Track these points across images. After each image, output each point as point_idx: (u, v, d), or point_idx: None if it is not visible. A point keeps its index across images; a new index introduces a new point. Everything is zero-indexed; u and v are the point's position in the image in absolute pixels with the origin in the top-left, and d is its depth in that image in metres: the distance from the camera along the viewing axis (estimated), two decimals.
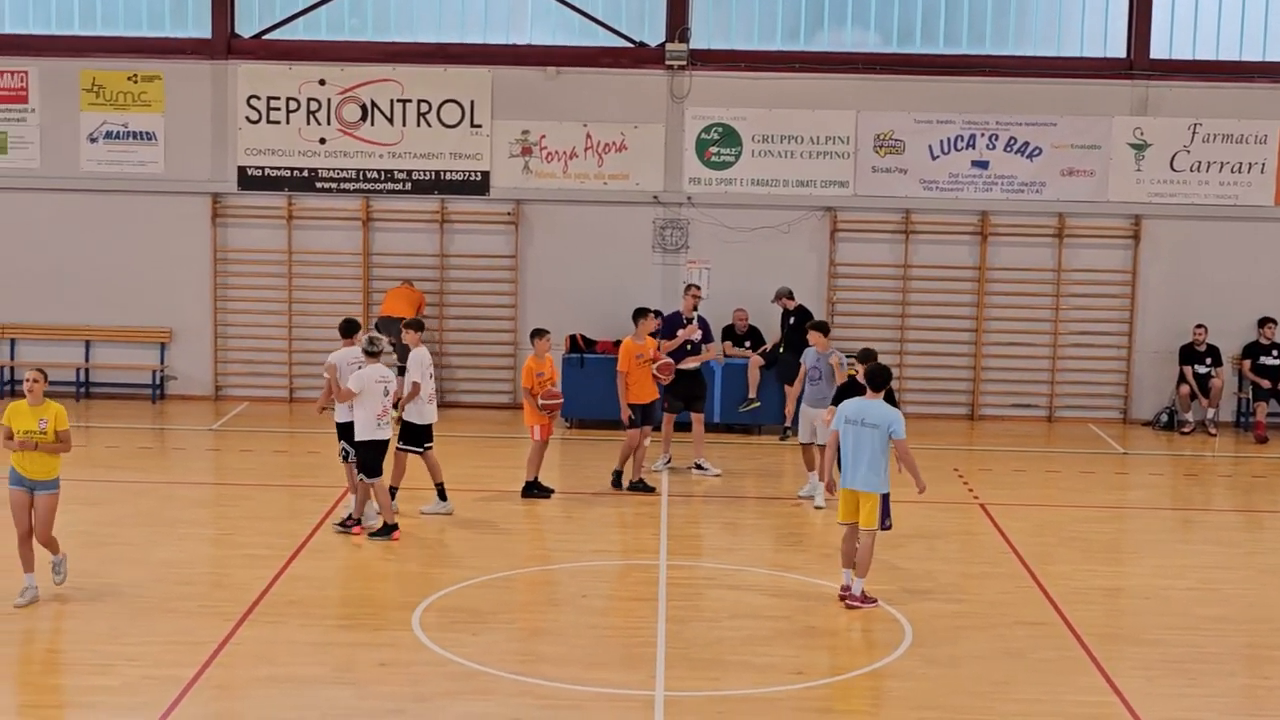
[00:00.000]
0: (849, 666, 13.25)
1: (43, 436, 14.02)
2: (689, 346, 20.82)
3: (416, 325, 18.54)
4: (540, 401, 18.66)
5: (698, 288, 22.07)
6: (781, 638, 13.93)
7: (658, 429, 20.29)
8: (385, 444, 17.16)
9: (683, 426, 20.96)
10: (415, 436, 18.13)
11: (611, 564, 16.47)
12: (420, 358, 18.15)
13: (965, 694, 12.55)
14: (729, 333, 24.01)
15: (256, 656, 13.07)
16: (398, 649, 13.30)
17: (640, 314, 19.83)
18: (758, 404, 23.10)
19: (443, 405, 25.13)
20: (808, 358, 19.10)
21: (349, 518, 17.36)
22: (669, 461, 20.80)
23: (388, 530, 17.02)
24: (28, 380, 14.25)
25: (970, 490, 20.16)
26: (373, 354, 17.14)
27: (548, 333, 19.22)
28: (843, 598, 14.82)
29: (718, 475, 20.50)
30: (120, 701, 11.96)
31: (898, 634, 14.01)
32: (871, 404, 14.73)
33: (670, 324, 21.09)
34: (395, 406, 17.52)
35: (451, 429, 23.89)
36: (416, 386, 17.99)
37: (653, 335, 20.21)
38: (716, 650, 13.52)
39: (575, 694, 12.34)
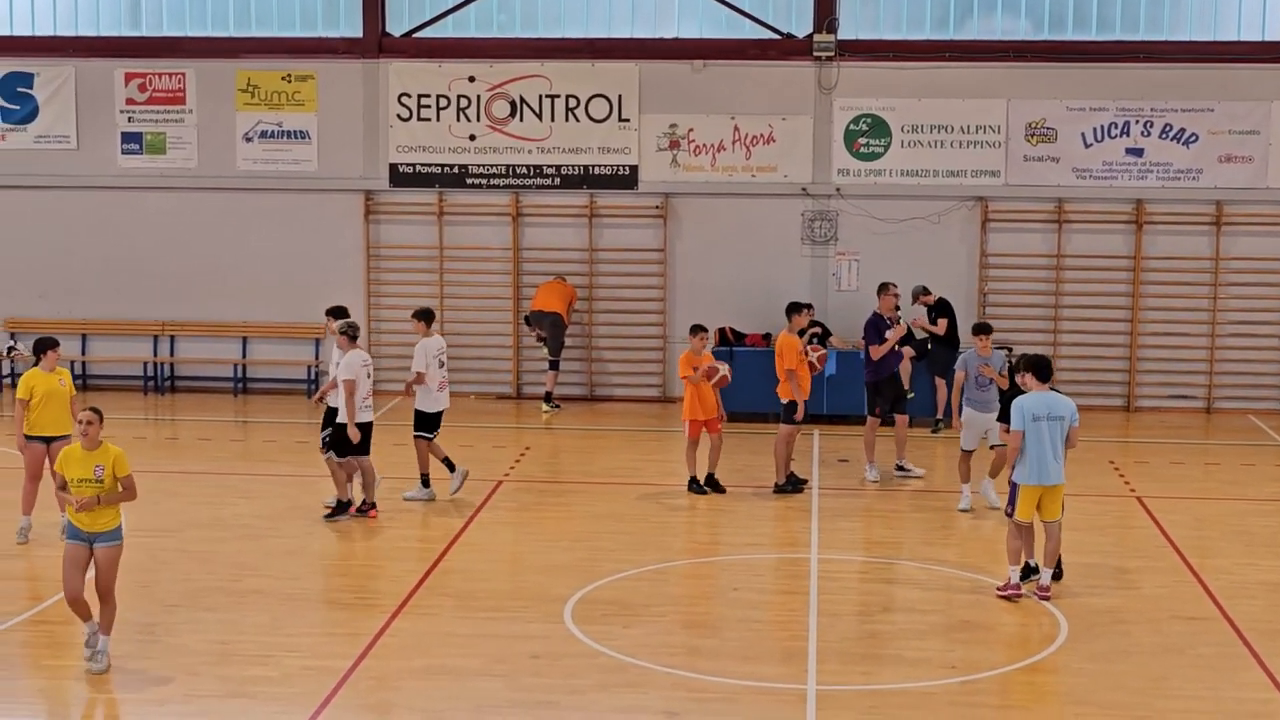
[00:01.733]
0: (1004, 661, 13.09)
1: (99, 486, 12.31)
2: (896, 349, 20.29)
3: (423, 315, 18.90)
4: (698, 376, 18.58)
5: (895, 285, 21.07)
6: (935, 632, 13.81)
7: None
8: (370, 426, 17.57)
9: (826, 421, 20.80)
10: (427, 424, 18.54)
11: (763, 557, 16.43)
12: (427, 347, 18.53)
13: (1123, 690, 12.36)
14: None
15: (411, 648, 13.21)
16: (550, 641, 13.38)
17: (794, 309, 19.48)
18: (911, 395, 22.89)
19: (593, 399, 25.41)
20: (968, 362, 18.24)
21: (364, 502, 17.63)
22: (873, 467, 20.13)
23: (343, 508, 17.41)
24: (81, 422, 12.52)
25: (1127, 483, 19.84)
26: (354, 338, 17.47)
27: (706, 330, 19.13)
28: (1002, 594, 14.63)
29: (919, 476, 20.00)
30: (280, 691, 12.15)
31: (1054, 629, 13.84)
32: (1051, 396, 14.54)
33: (874, 327, 20.14)
34: (321, 400, 18.18)
35: (602, 423, 24.04)
36: (421, 376, 18.40)
37: (864, 339, 20.06)
38: (869, 644, 13.45)
39: (728, 687, 12.33)
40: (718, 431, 18.89)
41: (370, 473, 17.58)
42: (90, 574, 12.50)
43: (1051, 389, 14.73)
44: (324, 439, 17.86)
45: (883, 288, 20.76)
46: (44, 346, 15.75)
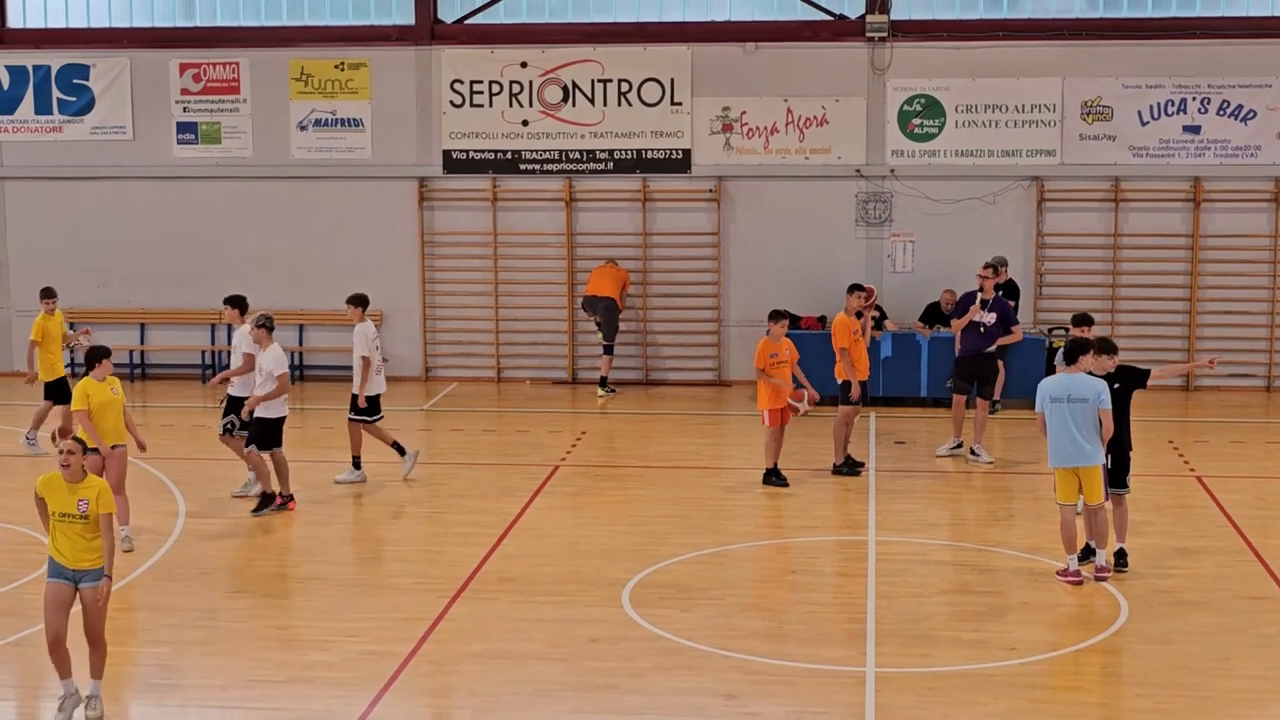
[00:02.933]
0: (1063, 643, 13.04)
1: (83, 522, 11.30)
2: (981, 329, 20.01)
3: (359, 301, 19.09)
4: (791, 403, 18.31)
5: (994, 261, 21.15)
6: (993, 613, 13.77)
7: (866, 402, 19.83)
8: (284, 420, 17.44)
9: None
10: (369, 407, 18.59)
11: (821, 540, 16.42)
12: (364, 332, 18.61)
13: (1183, 670, 12.29)
14: (934, 311, 23.73)
15: (470, 632, 13.27)
16: (608, 625, 13.40)
17: (850, 289, 19.49)
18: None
19: (648, 383, 25.43)
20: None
21: (279, 494, 17.47)
22: (958, 446, 20.16)
23: (269, 501, 17.23)
24: (62, 452, 11.41)
25: (1186, 463, 19.72)
26: (270, 329, 17.42)
27: (786, 317, 18.84)
28: (1062, 579, 14.55)
29: (989, 463, 19.73)
30: (340, 676, 12.23)
31: (1113, 609, 13.77)
32: (1073, 378, 14.43)
33: (966, 304, 20.26)
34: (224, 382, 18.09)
35: (656, 406, 24.05)
36: (366, 361, 18.46)
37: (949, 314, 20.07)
38: (927, 626, 13.42)
39: (786, 670, 12.33)
40: (788, 421, 18.68)
41: (283, 465, 17.43)
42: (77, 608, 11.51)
43: (1095, 370, 14.56)
44: (226, 425, 17.88)
45: (995, 270, 20.39)
46: (97, 356, 15.69)
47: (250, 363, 17.76)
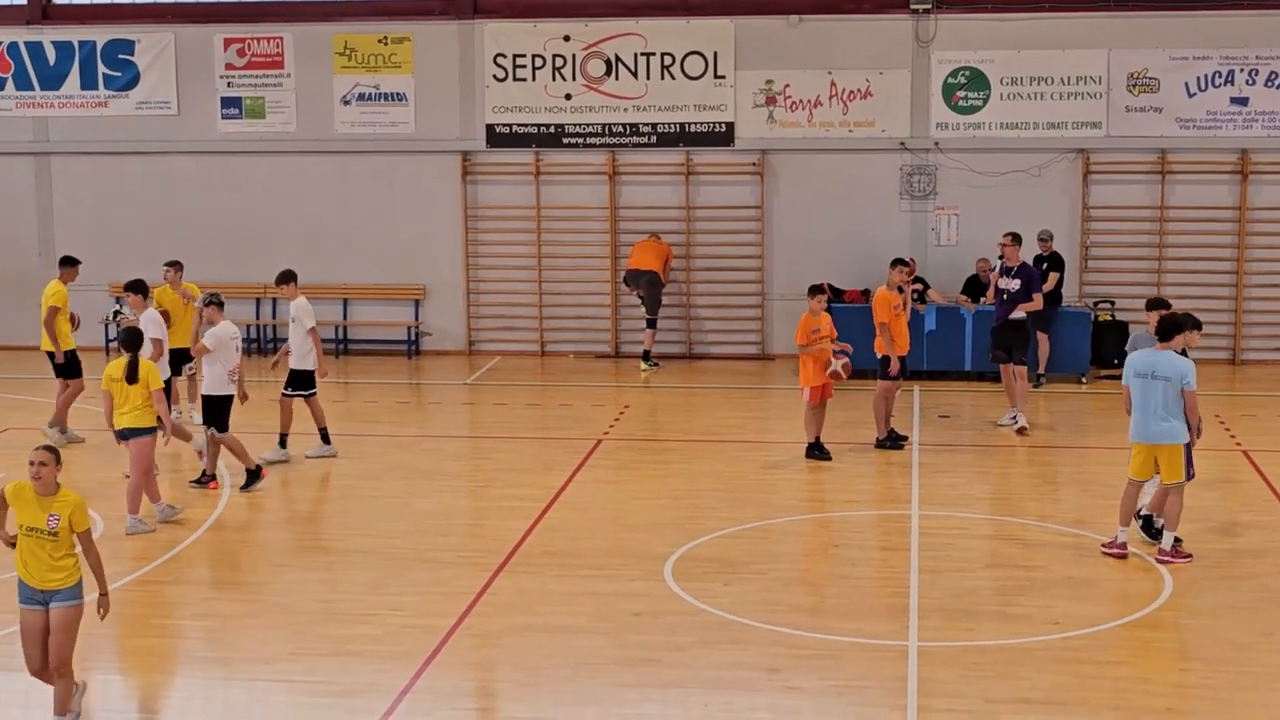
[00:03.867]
0: (1107, 617, 12.98)
1: (52, 540, 10.32)
2: (1004, 296, 20.06)
3: (290, 277, 19.02)
4: (829, 370, 18.21)
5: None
6: (1037, 588, 13.72)
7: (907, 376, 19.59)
8: (232, 399, 17.29)
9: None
10: (305, 381, 18.53)
11: (863, 514, 16.39)
12: (305, 306, 18.58)
13: (1228, 645, 12.23)
14: (974, 282, 23.63)
15: (513, 606, 13.30)
16: (651, 599, 13.42)
17: (892, 264, 19.33)
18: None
19: (691, 356, 25.42)
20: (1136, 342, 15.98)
21: (204, 473, 17.37)
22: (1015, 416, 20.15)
23: (256, 475, 17.21)
24: (34, 463, 10.41)
25: (1233, 437, 19.59)
26: (219, 305, 17.43)
27: (824, 291, 18.80)
28: (1106, 551, 14.47)
29: (1021, 430, 19.68)
30: (384, 650, 12.27)
31: (1158, 584, 13.71)
32: (1161, 355, 14.29)
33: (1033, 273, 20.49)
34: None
35: (700, 380, 24.04)
36: (315, 332, 18.49)
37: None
38: (971, 600, 13.38)
39: (829, 644, 12.32)
40: (830, 396, 18.59)
41: (217, 445, 17.26)
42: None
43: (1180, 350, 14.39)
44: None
45: (1015, 238, 20.41)
46: (135, 344, 15.64)
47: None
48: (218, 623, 13.09)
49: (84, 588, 10.66)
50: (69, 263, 20.30)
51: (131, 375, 15.36)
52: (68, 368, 19.60)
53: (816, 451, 18.43)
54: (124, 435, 15.58)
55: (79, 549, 10.58)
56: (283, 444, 18.52)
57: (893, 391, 19.04)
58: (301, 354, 18.53)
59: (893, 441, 18.93)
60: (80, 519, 10.48)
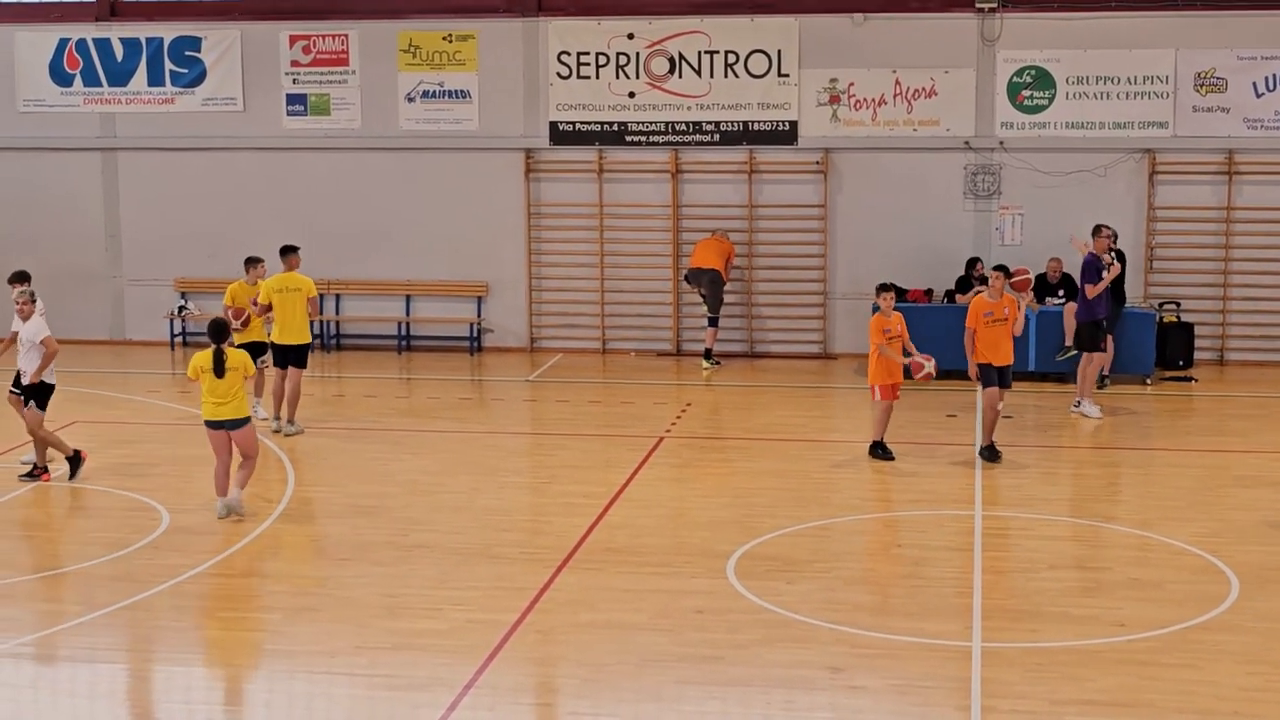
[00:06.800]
0: (1173, 620, 12.88)
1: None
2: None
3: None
4: (921, 373, 17.93)
5: (1108, 227, 21.06)
6: (1102, 589, 13.64)
7: (1006, 386, 18.59)
8: (53, 388, 17.25)
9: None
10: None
11: (927, 513, 16.32)
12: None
13: None
14: (1042, 282, 23.48)
15: (576, 602, 13.32)
16: (713, 596, 13.41)
17: (997, 270, 18.56)
18: (1074, 352, 22.55)
19: (753, 355, 25.41)
20: None
21: (35, 466, 17.37)
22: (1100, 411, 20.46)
23: (77, 461, 17.27)
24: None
25: None
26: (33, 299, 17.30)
27: (891, 289, 18.54)
28: None
29: (1097, 419, 19.97)
30: (447, 644, 12.31)
31: (1224, 586, 13.60)
32: None
33: (1091, 267, 20.45)
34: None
35: (761, 379, 24.01)
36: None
37: (1081, 279, 20.24)
38: (1035, 601, 13.31)
39: (892, 644, 12.28)
40: (897, 398, 18.34)
41: (45, 436, 17.26)
42: None
43: None
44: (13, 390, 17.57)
45: (1096, 229, 20.86)
46: (222, 335, 15.75)
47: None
48: (282, 616, 13.15)
49: None
50: (256, 261, 20.51)
51: (219, 367, 15.54)
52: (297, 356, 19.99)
53: (879, 451, 18.33)
54: (222, 426, 15.73)
55: None
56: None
57: (993, 400, 18.24)
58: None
59: (989, 453, 18.26)
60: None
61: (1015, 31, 24.56)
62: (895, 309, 18.33)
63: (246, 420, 15.82)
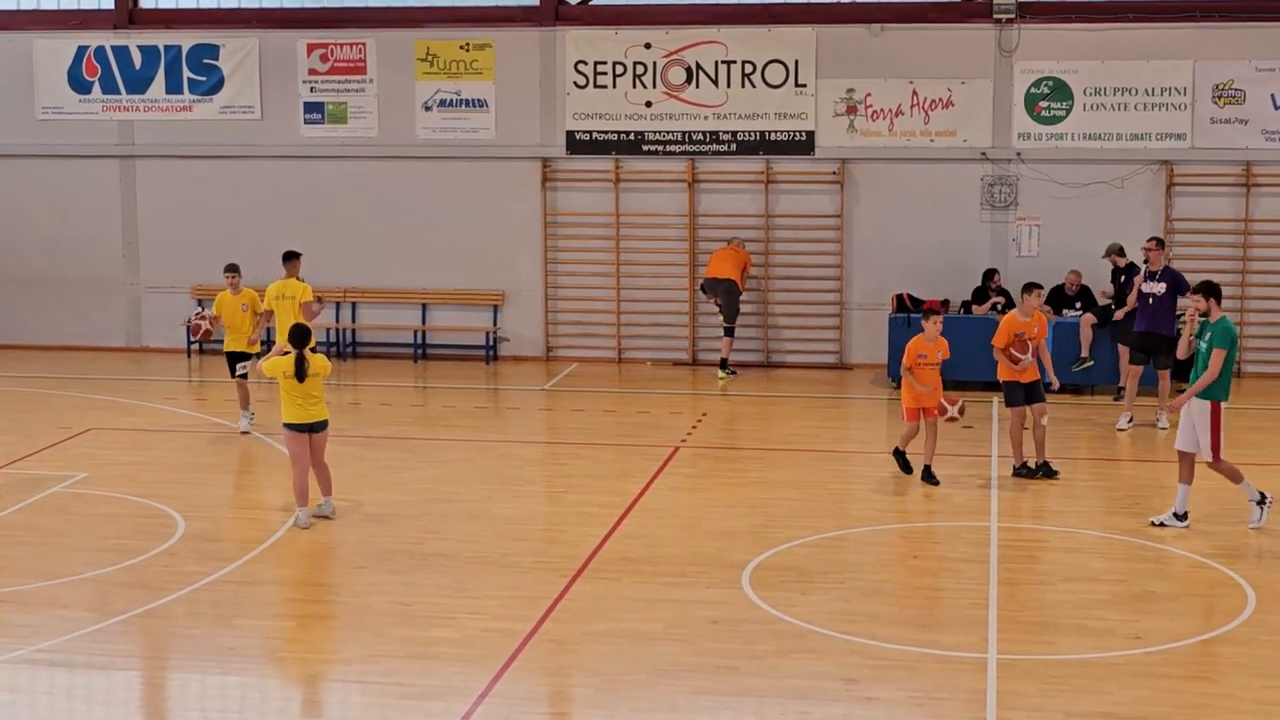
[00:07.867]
0: (1189, 632, 12.86)
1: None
2: (1149, 300, 20.40)
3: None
4: (946, 414, 17.60)
5: (1157, 238, 21.17)
6: (1118, 602, 13.61)
7: (1041, 400, 18.18)
8: None
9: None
10: None
11: (942, 525, 16.30)
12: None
13: None
14: (1059, 293, 23.45)
15: (590, 612, 13.32)
16: (728, 606, 13.40)
17: (1027, 289, 18.10)
18: (1091, 363, 22.53)
19: (769, 365, 25.38)
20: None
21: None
22: (1130, 420, 20.53)
23: None
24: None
25: None
26: None
27: (939, 314, 18.02)
28: None
29: (1164, 428, 20.24)
30: (461, 653, 12.32)
31: (1240, 599, 13.57)
32: None
33: (1181, 279, 20.59)
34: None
35: (777, 389, 23.99)
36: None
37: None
38: (1050, 613, 13.29)
39: (907, 655, 12.27)
40: (934, 418, 17.82)
41: None
42: None
43: None
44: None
45: (1159, 243, 21.00)
46: (304, 340, 15.95)
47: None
48: (297, 624, 13.18)
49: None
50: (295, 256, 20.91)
51: (300, 372, 15.68)
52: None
53: (899, 459, 18.17)
54: (306, 429, 15.92)
55: None
56: None
57: (1017, 418, 18.06)
58: None
59: (1027, 471, 18.05)
60: None
61: (1033, 42, 24.53)
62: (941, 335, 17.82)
63: (326, 423, 16.06)
